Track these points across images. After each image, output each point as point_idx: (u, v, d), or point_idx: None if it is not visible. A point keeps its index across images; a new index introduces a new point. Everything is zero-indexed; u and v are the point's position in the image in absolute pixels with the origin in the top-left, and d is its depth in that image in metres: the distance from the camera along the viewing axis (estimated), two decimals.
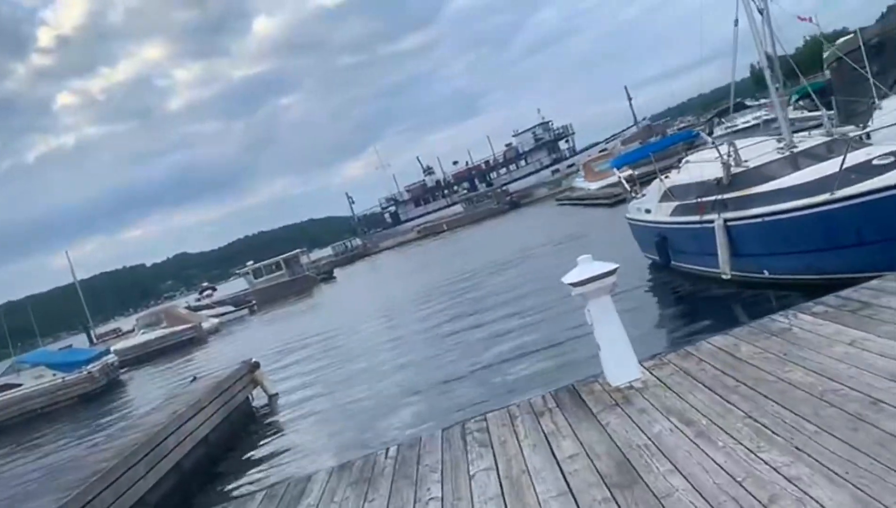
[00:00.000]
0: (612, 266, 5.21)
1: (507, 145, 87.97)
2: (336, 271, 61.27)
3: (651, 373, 5.23)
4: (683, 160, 13.32)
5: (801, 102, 34.85)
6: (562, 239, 27.01)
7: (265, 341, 27.31)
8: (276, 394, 15.03)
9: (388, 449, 5.55)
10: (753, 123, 37.33)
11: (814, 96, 11.73)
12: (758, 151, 10.87)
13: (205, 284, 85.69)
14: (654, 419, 4.40)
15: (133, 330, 46.43)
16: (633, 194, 15.12)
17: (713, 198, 10.88)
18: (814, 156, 10.03)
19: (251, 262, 57.64)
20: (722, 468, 3.51)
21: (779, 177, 9.94)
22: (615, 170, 16.56)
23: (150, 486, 9.23)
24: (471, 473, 4.51)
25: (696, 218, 11.33)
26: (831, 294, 5.63)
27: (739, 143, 11.22)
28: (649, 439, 4.12)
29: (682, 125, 68.71)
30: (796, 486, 3.14)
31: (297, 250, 58.74)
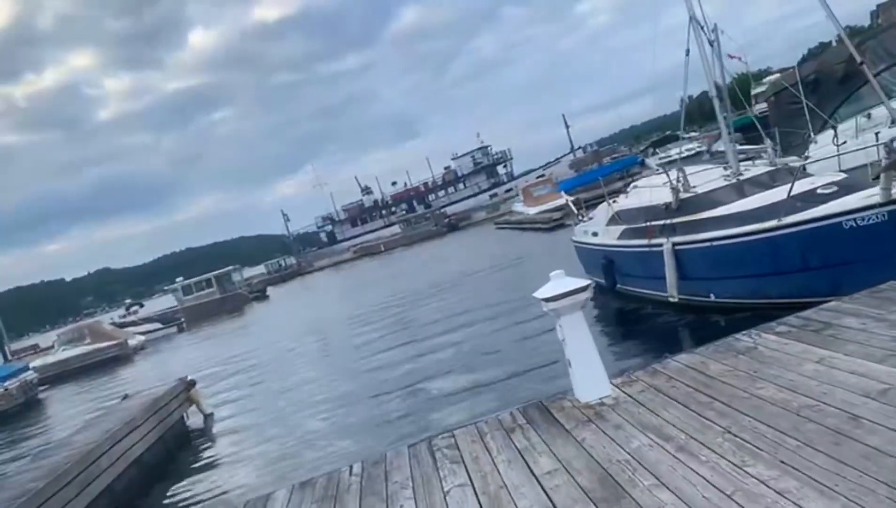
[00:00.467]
0: (586, 282, 5.21)
1: (445, 168, 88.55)
2: (269, 290, 60.00)
3: (621, 390, 5.23)
4: (631, 185, 13.63)
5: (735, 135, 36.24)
6: (503, 262, 27.22)
7: (195, 360, 26.42)
8: (212, 414, 14.52)
9: (351, 466, 5.35)
10: (686, 154, 38.61)
11: (758, 126, 12.17)
12: (705, 177, 11.21)
13: (128, 300, 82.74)
14: (631, 434, 4.37)
15: (53, 347, 44.25)
16: (581, 218, 15.35)
17: (662, 222, 11.13)
18: (759, 184, 10.40)
19: (180, 278, 55.93)
20: (709, 482, 3.50)
21: (726, 203, 10.25)
22: (563, 193, 16.84)
23: None
24: (445, 489, 4.38)
25: (645, 242, 11.57)
26: (792, 315, 5.77)
27: (687, 169, 11.54)
28: (629, 454, 4.09)
29: (615, 155, 70.75)
30: (788, 499, 3.14)
31: (230, 268, 57.37)
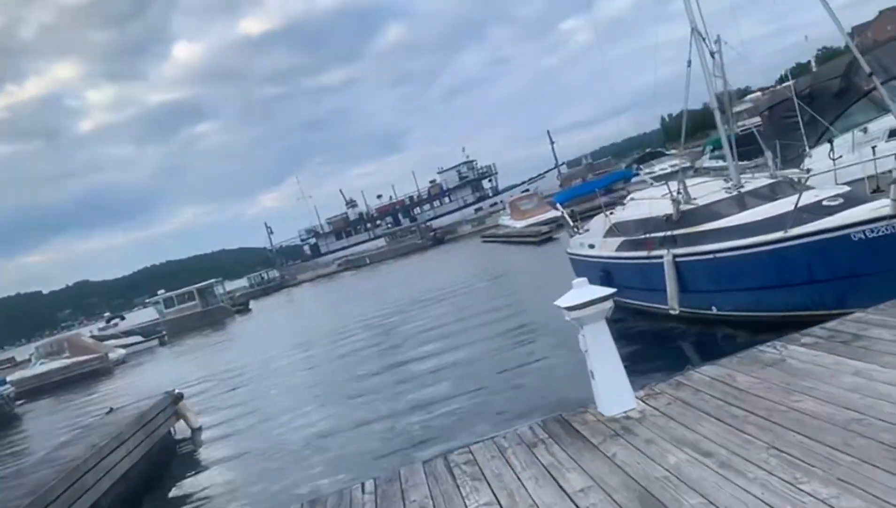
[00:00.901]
0: (610, 291, 5.04)
1: (431, 182, 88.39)
2: (252, 304, 59.31)
3: (646, 403, 5.04)
4: (628, 197, 13.51)
5: (716, 152, 36.68)
6: (492, 275, 27.06)
7: (177, 374, 25.85)
8: (200, 428, 14.10)
9: (363, 484, 5.10)
10: (671, 169, 38.97)
11: (758, 138, 12.12)
12: (706, 189, 11.11)
13: (107, 314, 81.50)
14: (665, 449, 4.17)
15: (30, 360, 43.33)
16: (576, 230, 15.20)
17: (662, 234, 11.00)
18: (760, 196, 10.31)
19: (162, 291, 55.14)
20: (762, 500, 3.30)
21: (728, 215, 10.14)
22: (559, 205, 16.70)
23: None
24: None
25: (645, 253, 11.43)
26: (816, 327, 5.63)
27: (687, 181, 11.44)
28: (667, 470, 3.89)
29: (601, 171, 71.07)
30: None
31: (212, 280, 56.70)
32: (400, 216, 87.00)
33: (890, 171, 8.97)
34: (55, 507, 8.22)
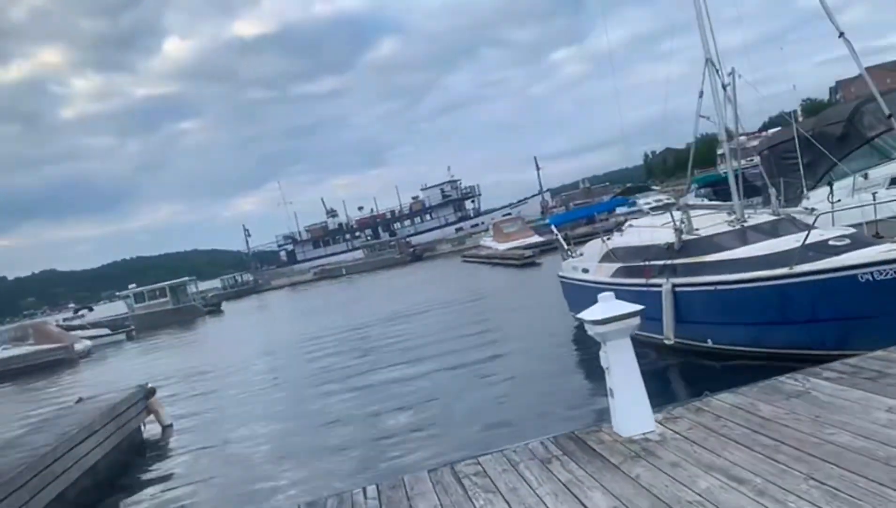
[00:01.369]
0: (637, 307, 4.88)
1: (413, 198, 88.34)
2: (224, 305, 58.45)
3: (665, 426, 4.87)
4: (626, 224, 13.46)
5: (702, 191, 37.10)
6: (473, 295, 26.86)
7: (143, 370, 25.09)
8: (171, 425, 13.67)
9: (365, 489, 4.85)
10: (655, 204, 39.37)
11: (764, 177, 12.13)
12: (708, 221, 11.08)
13: (71, 304, 79.81)
14: (694, 474, 4.00)
15: None
16: (570, 253, 15.11)
17: (662, 262, 10.92)
18: (763, 231, 10.29)
19: (133, 285, 54.20)
20: None
21: (730, 248, 10.09)
22: (553, 227, 16.64)
23: None
24: None
25: (642, 281, 11.33)
26: (837, 361, 5.52)
27: (690, 212, 11.41)
28: (699, 495, 3.71)
29: (580, 201, 71.85)
30: None
31: (185, 279, 55.90)
32: (380, 230, 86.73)
33: (894, 217, 9.00)
34: (21, 493, 7.82)
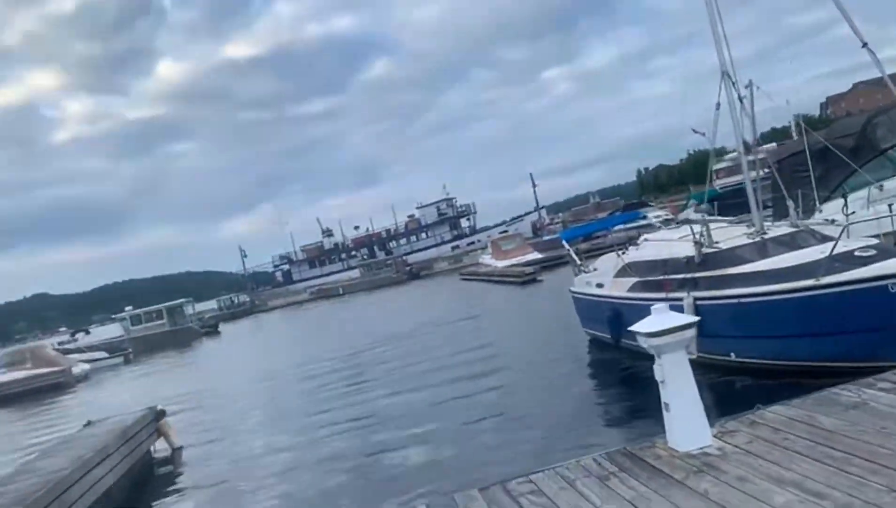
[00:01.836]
0: (693, 318, 4.79)
1: (409, 216, 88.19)
2: (221, 327, 58.01)
3: (722, 440, 4.75)
4: (642, 238, 13.40)
5: (703, 206, 37.02)
6: (477, 314, 26.69)
7: (143, 392, 24.54)
8: (181, 448, 13.42)
9: None
10: (654, 220, 39.43)
11: (782, 187, 12.10)
12: (728, 233, 11.02)
13: (62, 328, 79.19)
14: (766, 488, 3.88)
15: None
16: (583, 268, 15.02)
17: (682, 276, 10.84)
18: (784, 243, 10.23)
19: (129, 307, 53.73)
20: None
21: (752, 260, 10.02)
22: (564, 242, 16.56)
23: None
24: None
25: (662, 295, 11.21)
26: (889, 372, 5.42)
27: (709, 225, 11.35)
28: None
29: (572, 219, 72.25)
30: None
31: (182, 300, 55.41)
32: (376, 249, 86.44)
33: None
34: None
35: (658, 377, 4.85)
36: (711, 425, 5.08)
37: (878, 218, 10.85)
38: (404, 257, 77.08)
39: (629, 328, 5.00)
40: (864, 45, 9.34)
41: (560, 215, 76.64)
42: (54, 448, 11.17)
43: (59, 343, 48.13)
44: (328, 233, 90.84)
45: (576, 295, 14.90)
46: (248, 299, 77.94)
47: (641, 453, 4.85)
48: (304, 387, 18.38)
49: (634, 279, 12.30)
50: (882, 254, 8.74)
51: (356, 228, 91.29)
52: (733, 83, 10.79)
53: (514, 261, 40.52)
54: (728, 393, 9.54)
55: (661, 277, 11.37)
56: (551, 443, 8.94)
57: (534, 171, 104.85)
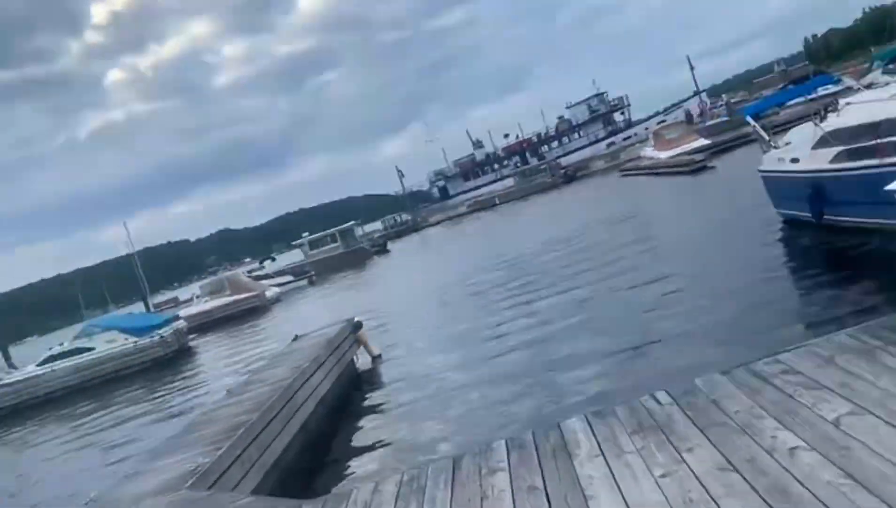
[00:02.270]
0: None
1: (559, 118, 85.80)
2: (389, 245, 60.56)
3: None
4: (842, 102, 11.99)
5: (890, 66, 32.84)
6: (647, 209, 25.71)
7: (333, 309, 26.13)
8: (380, 356, 14.22)
9: (654, 395, 4.55)
10: (834, 89, 35.74)
11: None
12: None
13: (247, 259, 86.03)
14: None
15: (191, 299, 46.43)
16: (772, 145, 13.80)
17: None
18: None
19: (307, 233, 57.34)
20: None
21: None
22: (749, 118, 15.23)
23: (285, 445, 8.44)
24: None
25: (875, 162, 10.05)
26: None
27: None
28: None
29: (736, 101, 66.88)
30: None
31: (352, 222, 58.19)
32: (528, 155, 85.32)
33: None
34: (275, 423, 8.34)
35: None
36: None
37: None
38: (558, 161, 75.59)
39: (886, 189, 4.39)
40: None
41: (723, 96, 71.07)
42: (273, 361, 12.19)
43: (249, 272, 52.36)
44: (478, 144, 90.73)
45: (766, 174, 13.76)
46: (409, 218, 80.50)
47: None
48: (476, 297, 18.69)
49: (838, 149, 11.09)
50: None
51: (506, 136, 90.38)
52: None
53: (680, 150, 38.33)
54: None
55: (874, 141, 10.13)
56: (767, 328, 8.40)
57: (686, 53, 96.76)
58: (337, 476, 8.48)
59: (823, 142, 11.56)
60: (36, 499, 12.20)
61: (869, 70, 37.84)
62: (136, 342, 27.09)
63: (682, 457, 3.58)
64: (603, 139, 78.47)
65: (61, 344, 29.23)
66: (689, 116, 65.02)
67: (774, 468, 3.22)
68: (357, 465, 8.73)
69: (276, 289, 39.69)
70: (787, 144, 13.11)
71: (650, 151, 43.50)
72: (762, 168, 13.91)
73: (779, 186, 13.38)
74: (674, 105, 74.87)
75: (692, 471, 3.41)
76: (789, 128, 15.48)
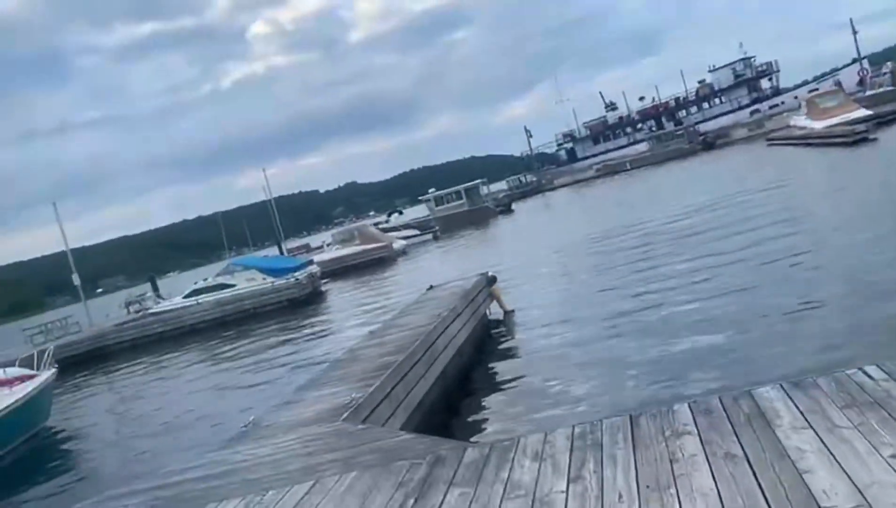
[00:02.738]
0: None
1: (700, 82, 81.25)
2: (513, 205, 60.20)
3: None
4: None
5: None
6: (807, 179, 23.89)
7: (458, 265, 26.04)
8: (513, 311, 14.10)
9: (863, 368, 4.08)
10: None
11: None
12: None
13: (372, 212, 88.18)
14: None
15: (322, 247, 48.27)
16: None
17: None
18: None
19: (433, 189, 58.04)
20: None
21: None
22: None
23: (428, 387, 8.49)
24: None
25: None
26: None
27: None
28: None
29: None
30: None
31: (477, 181, 58.32)
32: (664, 120, 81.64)
33: None
34: (419, 366, 8.40)
35: None
36: None
37: None
38: (696, 127, 71.94)
39: None
40: None
41: (888, 64, 64.75)
42: (410, 308, 12.34)
43: (376, 224, 53.76)
44: (612, 106, 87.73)
45: None
46: (534, 179, 79.63)
47: None
48: (606, 261, 18.20)
49: None
50: None
51: (641, 98, 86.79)
52: None
53: (836, 120, 35.32)
54: None
55: None
56: None
57: (847, 17, 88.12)
58: (475, 423, 8.49)
59: None
60: (194, 418, 13.01)
61: None
62: (273, 282, 28.47)
63: None
64: (747, 106, 73.82)
65: (205, 279, 31.21)
66: (839, 86, 59.74)
67: None
68: (493, 413, 8.73)
69: (402, 242, 40.52)
70: None
71: (803, 120, 40.42)
72: None
73: None
74: (825, 74, 69.11)
75: None
76: None
